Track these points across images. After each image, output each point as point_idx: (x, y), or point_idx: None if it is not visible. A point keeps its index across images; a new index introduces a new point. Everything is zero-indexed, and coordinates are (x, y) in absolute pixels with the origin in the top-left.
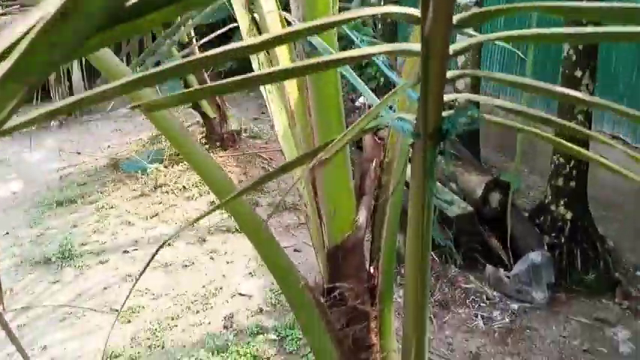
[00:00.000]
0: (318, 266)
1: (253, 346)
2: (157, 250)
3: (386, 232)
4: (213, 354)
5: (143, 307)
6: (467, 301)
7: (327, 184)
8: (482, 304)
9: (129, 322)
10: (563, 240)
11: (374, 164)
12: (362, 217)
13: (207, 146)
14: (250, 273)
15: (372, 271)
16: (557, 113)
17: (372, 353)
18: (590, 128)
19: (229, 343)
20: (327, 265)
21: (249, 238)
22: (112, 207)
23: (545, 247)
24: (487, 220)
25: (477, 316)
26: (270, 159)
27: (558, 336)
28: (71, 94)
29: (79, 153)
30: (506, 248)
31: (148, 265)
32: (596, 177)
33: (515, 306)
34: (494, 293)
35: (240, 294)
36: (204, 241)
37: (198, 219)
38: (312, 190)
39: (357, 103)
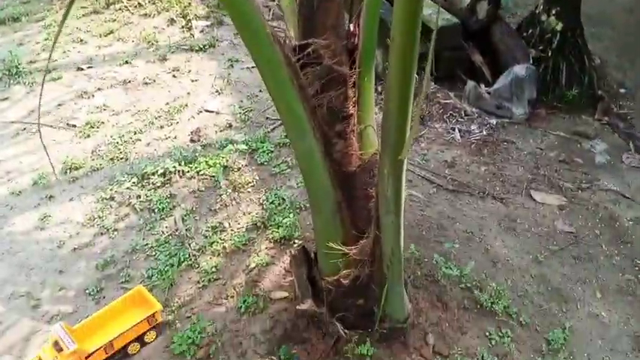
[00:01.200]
0: (287, 29)
1: (223, 157)
2: None
3: None
4: (180, 164)
5: (103, 123)
6: (444, 116)
7: None
8: (460, 119)
9: (88, 136)
10: (550, 53)
11: None
12: None
13: None
14: (217, 91)
15: (352, 28)
16: None
17: (349, 125)
18: None
19: (197, 155)
20: (300, 16)
21: None
22: None
23: (531, 61)
24: (472, 35)
25: (453, 130)
26: None
27: (535, 148)
28: None
29: None
30: (489, 64)
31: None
32: None
33: (493, 121)
34: (473, 109)
35: (207, 110)
36: (166, 59)
37: None
38: None
39: None
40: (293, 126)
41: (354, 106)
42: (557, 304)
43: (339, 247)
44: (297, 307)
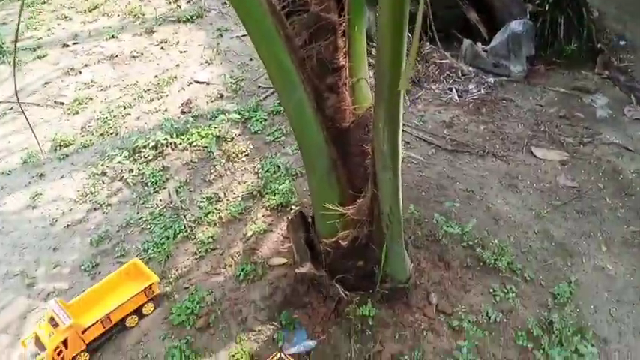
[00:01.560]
0: None
1: (215, 127)
2: None
3: None
4: (172, 136)
5: (91, 99)
6: (441, 77)
7: None
8: (457, 79)
9: (77, 113)
10: (547, 7)
11: None
12: None
13: None
14: (207, 62)
15: None
16: None
17: (341, 78)
18: None
19: (189, 126)
20: None
21: None
22: (44, 2)
23: (528, 16)
24: None
25: (451, 90)
26: None
27: (535, 105)
28: None
29: None
30: (485, 21)
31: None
32: None
33: (491, 79)
34: (470, 68)
35: (197, 81)
36: (153, 32)
37: None
38: None
39: None
40: (282, 80)
41: (345, 58)
42: (562, 258)
43: (336, 208)
44: (296, 270)
